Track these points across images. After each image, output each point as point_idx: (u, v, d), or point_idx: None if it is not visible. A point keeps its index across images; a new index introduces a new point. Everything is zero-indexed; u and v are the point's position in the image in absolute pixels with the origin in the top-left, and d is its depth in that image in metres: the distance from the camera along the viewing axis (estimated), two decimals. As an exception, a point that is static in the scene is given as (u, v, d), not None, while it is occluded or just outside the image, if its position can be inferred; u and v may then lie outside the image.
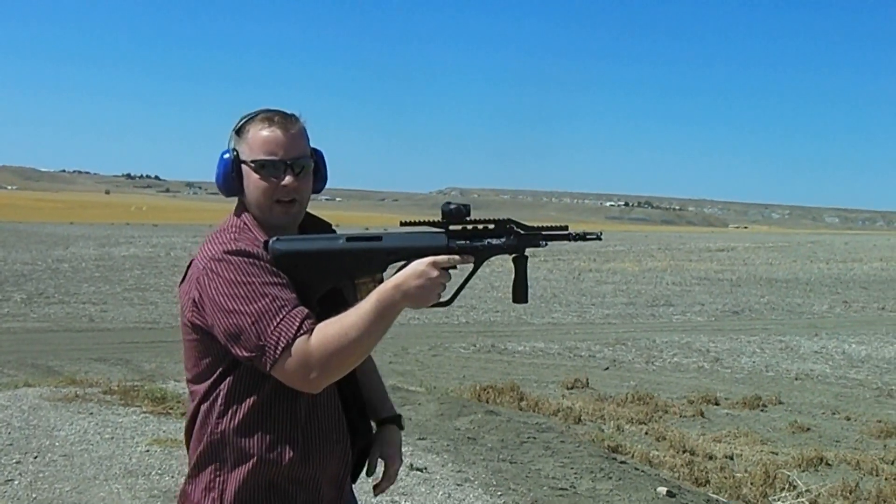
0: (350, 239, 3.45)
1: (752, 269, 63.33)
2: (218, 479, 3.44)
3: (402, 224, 3.56)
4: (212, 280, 3.29)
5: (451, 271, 3.37)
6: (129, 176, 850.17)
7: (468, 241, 3.47)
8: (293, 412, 3.40)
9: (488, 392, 15.52)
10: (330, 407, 3.51)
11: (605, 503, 9.64)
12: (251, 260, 3.30)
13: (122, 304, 31.44)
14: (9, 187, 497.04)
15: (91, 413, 12.17)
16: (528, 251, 3.54)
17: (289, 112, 3.58)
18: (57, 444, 10.57)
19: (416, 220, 3.51)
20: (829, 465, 13.00)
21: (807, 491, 11.40)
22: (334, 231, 3.72)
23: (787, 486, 11.60)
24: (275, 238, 3.40)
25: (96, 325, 26.49)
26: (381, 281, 3.42)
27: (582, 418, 14.87)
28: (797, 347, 26.12)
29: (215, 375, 3.41)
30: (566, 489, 10.03)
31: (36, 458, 10.00)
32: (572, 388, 18.47)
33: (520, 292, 3.59)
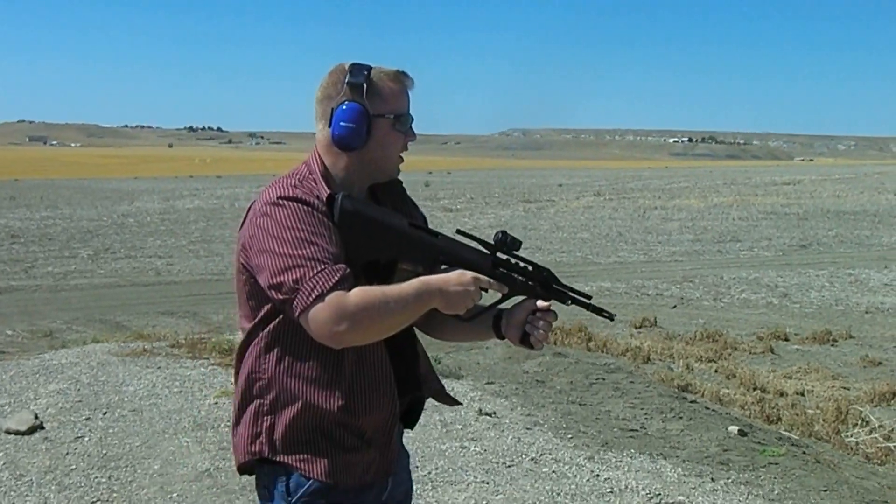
0: (412, 226, 3.51)
1: (819, 202, 62.81)
2: (265, 421, 3.48)
3: (457, 232, 3.66)
4: (263, 222, 3.31)
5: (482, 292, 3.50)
6: (191, 129, 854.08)
7: (507, 273, 3.58)
8: (338, 361, 3.42)
9: (556, 333, 15.45)
10: (377, 358, 3.51)
11: (677, 443, 9.57)
12: (305, 208, 3.31)
13: (188, 256, 31.65)
14: (73, 145, 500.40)
15: (159, 367, 12.22)
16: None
17: None
18: (126, 399, 10.61)
19: (473, 236, 3.60)
20: (902, 399, 12.87)
21: (880, 426, 11.27)
22: (404, 187, 3.80)
23: (859, 422, 11.48)
24: (344, 194, 3.41)
25: (163, 278, 26.69)
26: (420, 274, 3.46)
27: (651, 357, 14.81)
28: (867, 280, 25.90)
29: (261, 315, 3.45)
30: (636, 430, 9.97)
31: (105, 413, 10.04)
32: (640, 327, 18.41)
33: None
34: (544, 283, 3.59)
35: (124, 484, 8.10)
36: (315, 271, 3.18)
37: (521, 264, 3.59)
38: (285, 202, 3.32)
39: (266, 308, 3.41)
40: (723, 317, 20.13)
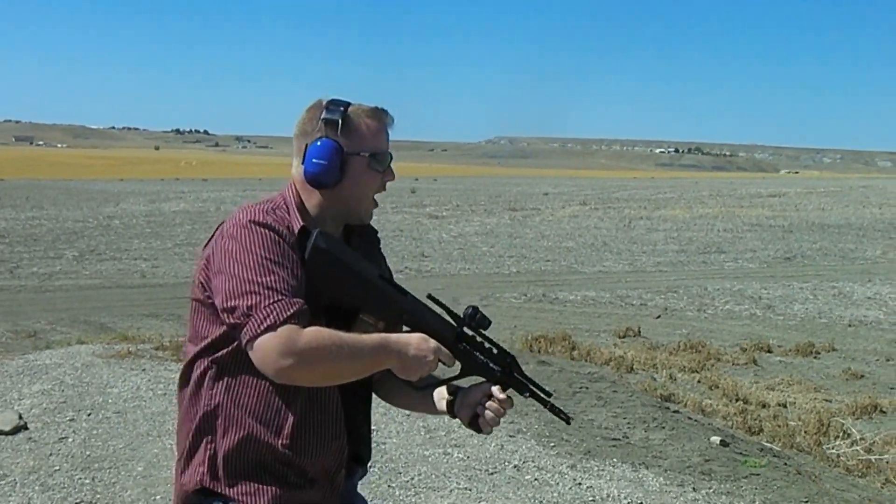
0: (382, 278, 3.43)
1: (804, 215, 62.97)
2: (207, 450, 3.39)
3: (428, 296, 3.56)
4: (228, 244, 3.23)
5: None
6: (178, 131, 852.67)
7: (470, 350, 3.46)
8: (290, 398, 3.34)
9: (540, 342, 15.51)
10: (330, 402, 3.43)
11: (659, 453, 9.62)
12: (273, 236, 3.25)
13: (173, 259, 31.60)
14: (59, 145, 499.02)
15: (143, 369, 12.24)
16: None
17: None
18: (110, 401, 10.64)
19: (444, 304, 3.50)
20: (883, 412, 12.92)
21: (861, 439, 11.33)
22: (378, 237, 3.75)
23: (841, 435, 11.54)
24: (320, 231, 3.35)
25: (148, 280, 26.66)
26: (380, 330, 3.38)
27: (634, 367, 14.87)
28: (850, 293, 25.98)
29: (213, 339, 3.36)
30: (619, 439, 10.03)
31: (90, 415, 10.07)
32: (624, 336, 18.44)
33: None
34: (506, 369, 3.49)
35: (108, 485, 8.13)
36: (271, 300, 3.11)
37: (487, 345, 3.49)
38: (254, 227, 3.25)
39: (218, 332, 3.32)
40: (706, 327, 20.18)
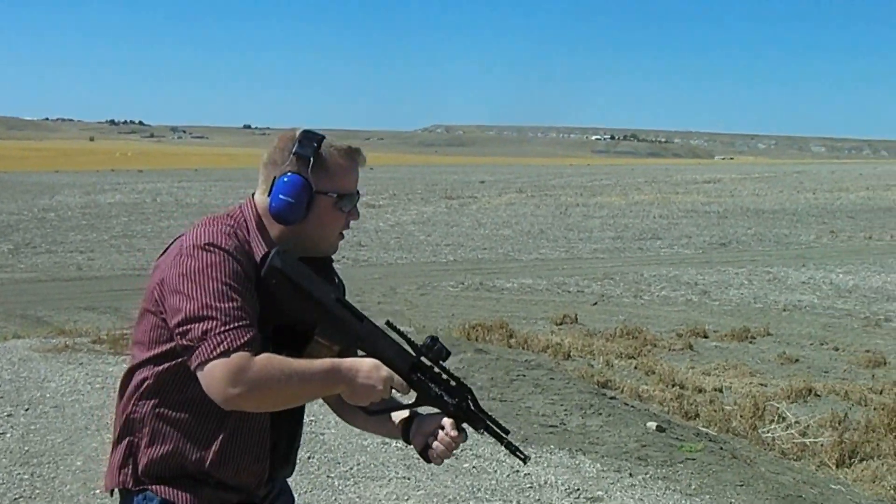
0: (339, 301, 3.39)
1: (739, 201, 63.46)
2: (133, 455, 3.41)
3: (387, 323, 3.54)
4: (188, 263, 3.20)
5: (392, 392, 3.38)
6: (112, 122, 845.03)
7: (425, 380, 3.43)
8: (219, 419, 3.35)
9: (477, 330, 15.57)
10: (258, 425, 3.44)
11: (596, 439, 9.69)
12: (232, 262, 3.22)
13: (109, 251, 31.45)
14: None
15: (81, 363, 12.20)
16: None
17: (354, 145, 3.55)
18: (48, 395, 10.60)
19: (402, 332, 3.47)
20: (817, 395, 13.06)
21: (796, 422, 11.47)
22: (333, 268, 3.67)
23: (776, 418, 11.67)
24: (277, 249, 3.33)
25: (84, 273, 26.52)
26: (334, 353, 3.37)
27: (571, 354, 14.94)
28: (785, 278, 26.23)
29: (157, 353, 3.34)
30: (556, 426, 10.09)
31: (27, 410, 10.03)
32: (561, 323, 18.54)
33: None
34: (462, 402, 3.46)
35: (47, 480, 8.10)
36: (226, 327, 3.10)
37: (444, 376, 3.45)
38: (214, 250, 3.21)
39: (164, 347, 3.30)
40: (643, 314, 20.32)
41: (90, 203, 53.72)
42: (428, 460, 3.50)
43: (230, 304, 3.14)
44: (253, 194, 3.55)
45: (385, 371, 3.29)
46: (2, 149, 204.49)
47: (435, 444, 3.45)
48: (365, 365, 3.28)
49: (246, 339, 3.11)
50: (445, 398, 3.44)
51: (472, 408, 3.48)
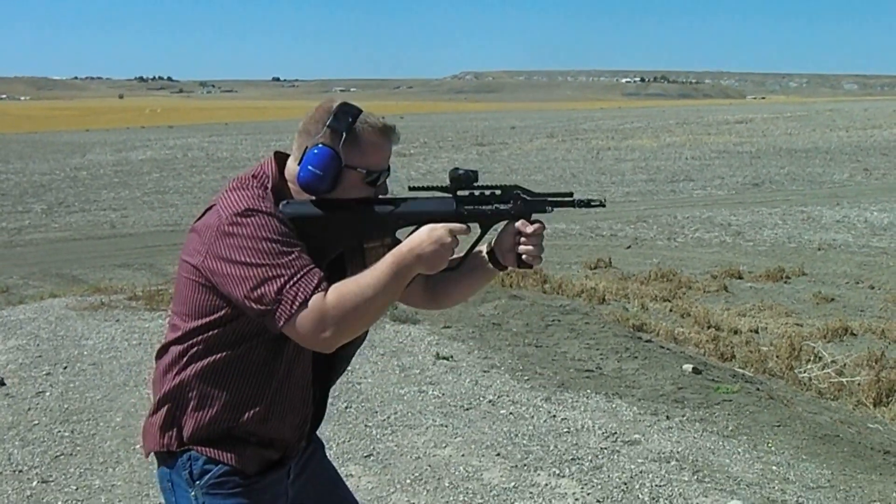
0: (359, 202, 3.45)
1: (772, 140, 63.05)
2: (176, 418, 3.47)
3: (410, 189, 3.58)
4: (233, 234, 3.25)
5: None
6: (141, 79, 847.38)
7: (476, 206, 3.51)
8: (268, 377, 3.44)
9: (511, 276, 15.54)
10: (302, 378, 3.55)
11: (632, 383, 9.71)
12: (274, 221, 3.29)
13: (142, 208, 31.51)
14: (22, 98, 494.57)
15: (117, 320, 12.26)
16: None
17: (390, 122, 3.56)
18: (86, 353, 10.67)
19: (425, 186, 3.55)
20: (853, 335, 13.00)
21: (832, 362, 11.44)
22: None
23: (812, 358, 11.64)
24: (284, 202, 3.40)
25: (118, 231, 26.59)
26: (391, 245, 3.44)
27: (606, 298, 14.92)
28: (819, 217, 26.07)
29: (204, 322, 3.39)
30: (592, 370, 10.10)
31: (66, 368, 10.10)
32: (595, 268, 18.50)
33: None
34: (517, 201, 3.52)
35: (87, 437, 8.17)
36: (295, 279, 3.17)
37: (487, 192, 3.54)
38: (255, 213, 3.28)
39: (214, 315, 3.36)
40: (677, 256, 20.25)
41: (121, 160, 53.77)
42: (529, 267, 3.59)
43: (290, 258, 3.22)
44: (275, 153, 3.59)
45: (439, 226, 3.36)
46: (32, 109, 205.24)
47: (522, 249, 3.54)
48: (420, 234, 3.35)
49: (315, 281, 3.20)
50: (502, 208, 3.53)
51: (529, 198, 3.55)
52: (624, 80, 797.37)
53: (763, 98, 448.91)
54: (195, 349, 3.42)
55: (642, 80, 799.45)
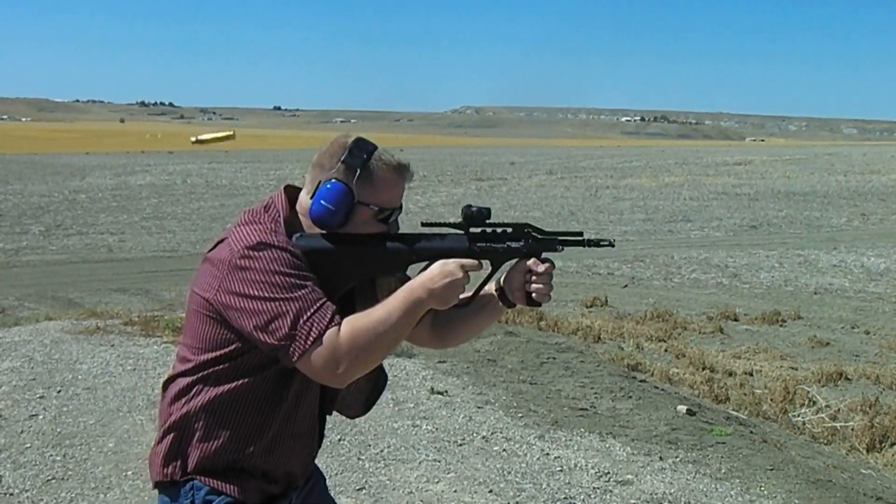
0: (372, 237, 3.46)
1: (770, 183, 63.19)
2: (181, 448, 3.46)
3: (423, 224, 3.60)
4: (245, 268, 3.25)
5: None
6: (142, 103, 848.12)
7: (488, 244, 3.52)
8: (275, 409, 3.44)
9: (507, 312, 15.50)
10: (308, 415, 3.56)
11: (626, 422, 9.69)
12: (287, 254, 3.28)
13: (140, 233, 31.55)
14: (23, 119, 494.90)
15: (112, 345, 12.25)
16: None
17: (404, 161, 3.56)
18: (80, 377, 10.65)
19: (437, 223, 3.57)
20: (848, 379, 13.03)
21: (826, 406, 11.45)
22: None
23: (806, 402, 11.65)
24: (297, 235, 3.41)
25: (115, 255, 26.61)
26: (403, 280, 3.46)
27: (601, 337, 14.92)
28: (816, 261, 26.12)
29: (214, 355, 3.39)
30: (586, 409, 10.09)
31: (59, 392, 10.07)
32: (591, 306, 18.51)
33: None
34: (527, 239, 3.54)
35: (79, 462, 8.14)
36: (308, 314, 3.18)
37: (499, 230, 3.53)
38: (268, 248, 3.27)
39: (225, 350, 3.36)
40: (673, 296, 20.27)
41: (120, 184, 53.83)
42: (538, 305, 3.62)
43: (303, 291, 3.22)
44: (285, 186, 3.59)
45: (453, 261, 3.38)
46: (32, 130, 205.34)
47: (533, 287, 3.56)
48: (432, 270, 3.36)
49: (329, 316, 3.21)
50: (513, 246, 3.55)
51: (540, 237, 3.58)
52: (624, 119, 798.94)
53: (762, 140, 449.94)
54: (204, 381, 3.41)
55: (642, 119, 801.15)
